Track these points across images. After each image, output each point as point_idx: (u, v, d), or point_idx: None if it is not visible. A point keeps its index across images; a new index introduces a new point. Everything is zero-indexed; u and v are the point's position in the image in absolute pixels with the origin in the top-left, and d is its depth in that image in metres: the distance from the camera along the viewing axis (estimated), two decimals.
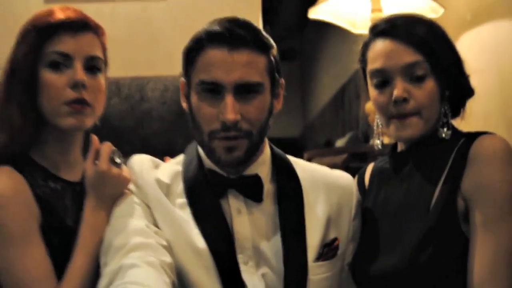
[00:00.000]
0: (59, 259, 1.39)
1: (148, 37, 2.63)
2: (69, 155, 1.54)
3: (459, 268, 1.40)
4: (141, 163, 1.52)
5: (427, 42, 1.49)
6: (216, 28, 1.40)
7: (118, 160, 1.47)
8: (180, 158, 1.56)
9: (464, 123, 2.13)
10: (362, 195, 1.66)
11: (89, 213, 1.43)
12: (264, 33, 1.46)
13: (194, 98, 1.43)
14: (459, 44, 3.20)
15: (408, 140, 1.54)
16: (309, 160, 2.80)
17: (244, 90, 1.39)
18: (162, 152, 2.27)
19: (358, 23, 3.15)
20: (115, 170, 1.45)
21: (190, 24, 2.56)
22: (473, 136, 1.49)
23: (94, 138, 1.50)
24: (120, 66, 2.45)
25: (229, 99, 1.36)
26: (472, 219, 1.40)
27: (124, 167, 1.49)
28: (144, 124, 2.34)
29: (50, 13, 1.46)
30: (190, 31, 2.42)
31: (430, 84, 1.49)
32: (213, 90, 1.39)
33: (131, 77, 2.43)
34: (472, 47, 3.09)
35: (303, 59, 7.23)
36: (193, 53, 1.43)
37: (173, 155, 2.20)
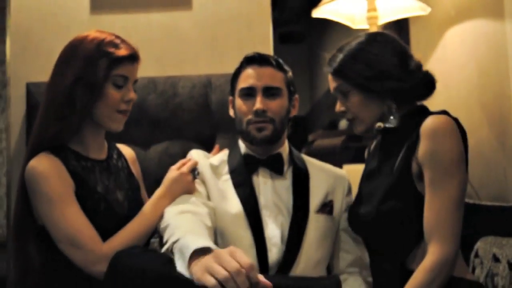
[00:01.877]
0: (92, 220, 1.73)
1: (177, 41, 2.78)
2: (99, 142, 1.90)
3: (413, 218, 1.74)
4: (197, 154, 2.01)
5: (341, 70, 1.87)
6: (250, 55, 1.97)
7: (196, 173, 1.88)
8: (226, 151, 2.06)
9: (448, 106, 2.44)
10: (366, 164, 2.05)
11: (156, 197, 1.81)
12: (281, 60, 1.99)
13: (237, 101, 1.96)
14: (444, 39, 3.42)
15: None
16: (313, 141, 3.05)
17: (269, 92, 1.92)
18: (191, 137, 2.58)
19: (357, 20, 3.35)
20: (190, 177, 1.85)
21: (213, 30, 2.79)
22: (429, 115, 1.80)
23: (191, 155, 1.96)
24: (155, 66, 2.72)
25: (259, 97, 1.90)
26: (425, 180, 1.73)
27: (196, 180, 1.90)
28: (176, 115, 2.59)
29: (119, 48, 1.80)
30: (213, 35, 2.70)
31: (355, 97, 1.86)
32: (249, 94, 1.92)
33: (165, 76, 2.66)
34: (455, 42, 3.28)
35: (311, 41, 7.21)
36: (236, 73, 1.99)
37: (200, 140, 2.54)
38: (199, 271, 1.28)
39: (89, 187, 1.78)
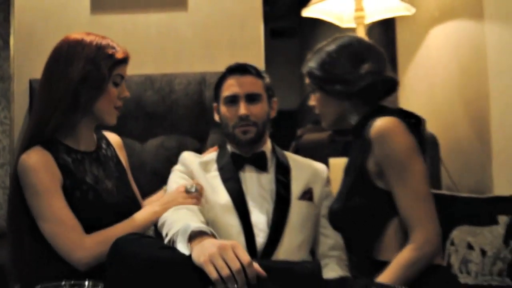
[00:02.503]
0: (80, 212, 1.85)
1: (174, 41, 2.91)
2: (90, 135, 2.03)
3: (375, 213, 1.87)
4: (188, 155, 2.18)
5: (307, 71, 2.03)
6: (232, 66, 2.13)
7: (192, 190, 1.99)
8: (215, 152, 2.21)
9: (432, 103, 2.53)
10: None
11: (150, 211, 1.93)
12: (259, 68, 2.16)
13: (223, 109, 2.12)
14: (428, 39, 3.56)
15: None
16: (301, 135, 3.17)
17: (251, 98, 2.08)
18: (186, 132, 2.70)
19: (345, 19, 3.46)
20: (187, 197, 1.97)
21: (207, 30, 2.91)
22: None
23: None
24: (152, 64, 2.85)
25: (242, 103, 2.07)
26: (388, 179, 1.84)
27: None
28: (172, 111, 2.70)
29: (117, 50, 1.95)
30: (207, 35, 2.83)
31: (317, 96, 2.03)
32: (233, 101, 2.09)
33: (162, 74, 2.77)
34: (439, 41, 3.42)
35: (302, 36, 7.23)
36: (219, 83, 2.15)
37: (194, 134, 2.66)
38: (202, 256, 1.43)
39: (77, 179, 1.91)
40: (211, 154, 2.20)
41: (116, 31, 2.85)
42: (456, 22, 3.27)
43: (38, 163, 1.85)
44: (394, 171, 1.81)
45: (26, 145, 1.89)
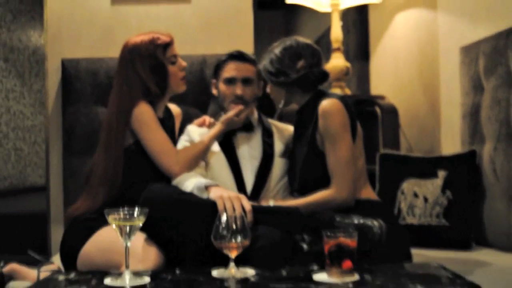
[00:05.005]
0: None
1: (179, 28, 3.25)
2: (164, 105, 2.52)
3: (324, 174, 2.29)
4: (191, 127, 2.60)
5: (266, 70, 2.41)
6: (233, 52, 2.53)
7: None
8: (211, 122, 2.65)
9: (395, 77, 2.91)
10: None
11: (211, 132, 2.44)
12: (253, 57, 2.57)
13: (222, 86, 2.52)
14: (394, 23, 3.99)
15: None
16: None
17: (246, 81, 2.50)
18: (190, 102, 3.09)
19: (323, 4, 3.82)
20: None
21: (207, 19, 3.30)
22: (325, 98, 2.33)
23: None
24: None
25: (239, 85, 2.49)
26: (325, 146, 2.28)
27: None
28: None
29: (161, 38, 2.39)
30: (207, 23, 3.26)
31: (269, 85, 2.47)
32: (231, 81, 2.49)
33: None
34: (402, 26, 3.85)
35: (287, 8, 7.22)
36: (221, 64, 2.54)
37: (196, 104, 3.08)
38: (218, 195, 2.04)
39: (166, 128, 2.43)
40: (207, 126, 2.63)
41: (132, 19, 3.27)
42: (416, 10, 3.69)
43: (150, 113, 2.35)
44: (329, 140, 2.26)
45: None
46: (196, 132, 2.57)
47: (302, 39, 2.45)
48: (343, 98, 2.35)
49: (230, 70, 2.52)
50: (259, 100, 2.61)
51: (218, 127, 2.47)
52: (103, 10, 3.29)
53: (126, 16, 3.28)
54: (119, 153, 2.33)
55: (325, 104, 2.28)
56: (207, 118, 2.69)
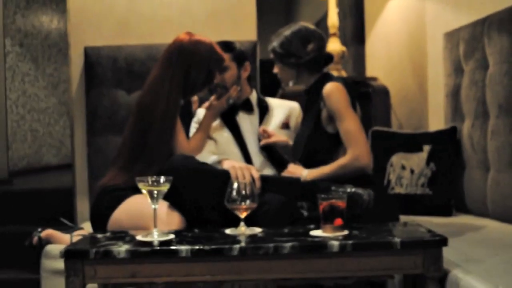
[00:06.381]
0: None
1: (188, 16, 3.56)
2: None
3: (326, 149, 2.58)
4: (201, 110, 2.88)
5: (271, 48, 2.65)
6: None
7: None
8: None
9: (387, 59, 3.16)
10: None
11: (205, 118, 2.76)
12: (234, 45, 2.83)
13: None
14: (387, 9, 4.27)
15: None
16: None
17: (221, 70, 2.75)
18: None
19: None
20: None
21: (212, 8, 3.60)
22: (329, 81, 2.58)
23: None
24: (172, 34, 3.51)
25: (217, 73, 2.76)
26: (336, 122, 2.53)
27: None
28: None
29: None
30: (212, 11, 3.55)
31: (278, 66, 2.70)
32: None
33: None
34: (394, 12, 4.12)
35: None
36: None
37: None
38: (230, 163, 2.41)
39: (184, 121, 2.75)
40: None
41: (147, 9, 3.58)
42: None
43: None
44: (338, 117, 2.53)
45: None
46: (202, 112, 2.87)
47: (309, 25, 2.69)
48: (345, 82, 2.60)
49: None
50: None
51: (206, 114, 2.78)
52: (120, 2, 3.60)
53: (141, 6, 3.60)
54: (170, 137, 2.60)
55: (328, 87, 2.53)
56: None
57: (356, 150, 2.48)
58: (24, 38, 6.27)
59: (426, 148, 3.13)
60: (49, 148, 6.75)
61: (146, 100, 2.61)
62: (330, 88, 2.53)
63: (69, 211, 3.55)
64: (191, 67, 2.63)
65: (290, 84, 2.74)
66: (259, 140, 2.79)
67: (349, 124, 2.51)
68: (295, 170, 2.57)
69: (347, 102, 2.53)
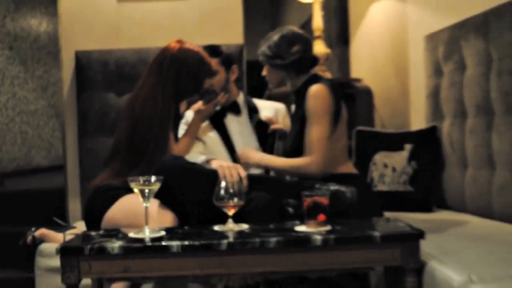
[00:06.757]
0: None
1: (178, 21, 3.67)
2: None
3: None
4: (189, 113, 2.94)
5: (264, 54, 2.70)
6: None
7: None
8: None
9: (372, 61, 3.22)
10: None
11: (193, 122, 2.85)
12: (221, 49, 2.90)
13: None
14: (371, 12, 4.34)
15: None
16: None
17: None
18: None
19: None
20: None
21: (201, 13, 3.70)
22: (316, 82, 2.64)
23: None
24: (163, 39, 3.62)
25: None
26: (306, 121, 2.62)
27: None
28: None
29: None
30: (201, 17, 3.64)
31: (266, 67, 2.77)
32: None
33: None
34: (377, 15, 4.21)
35: None
36: None
37: None
38: (218, 163, 2.46)
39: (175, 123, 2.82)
40: None
41: (137, 15, 3.66)
42: (388, 1, 4.06)
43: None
44: (309, 120, 2.60)
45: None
46: (191, 115, 2.94)
47: (296, 29, 2.76)
48: (332, 85, 2.65)
49: None
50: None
51: (194, 118, 2.86)
52: (110, 7, 3.68)
53: (131, 12, 3.69)
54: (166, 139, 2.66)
55: (313, 88, 2.59)
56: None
57: (313, 158, 2.57)
58: (13, 42, 6.30)
59: (408, 147, 3.22)
60: (39, 150, 6.77)
61: (145, 109, 2.63)
62: (314, 91, 2.59)
63: (61, 211, 3.62)
64: (181, 75, 2.68)
65: (278, 85, 2.80)
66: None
67: (317, 131, 2.58)
68: (248, 153, 2.71)
69: (324, 108, 2.58)
